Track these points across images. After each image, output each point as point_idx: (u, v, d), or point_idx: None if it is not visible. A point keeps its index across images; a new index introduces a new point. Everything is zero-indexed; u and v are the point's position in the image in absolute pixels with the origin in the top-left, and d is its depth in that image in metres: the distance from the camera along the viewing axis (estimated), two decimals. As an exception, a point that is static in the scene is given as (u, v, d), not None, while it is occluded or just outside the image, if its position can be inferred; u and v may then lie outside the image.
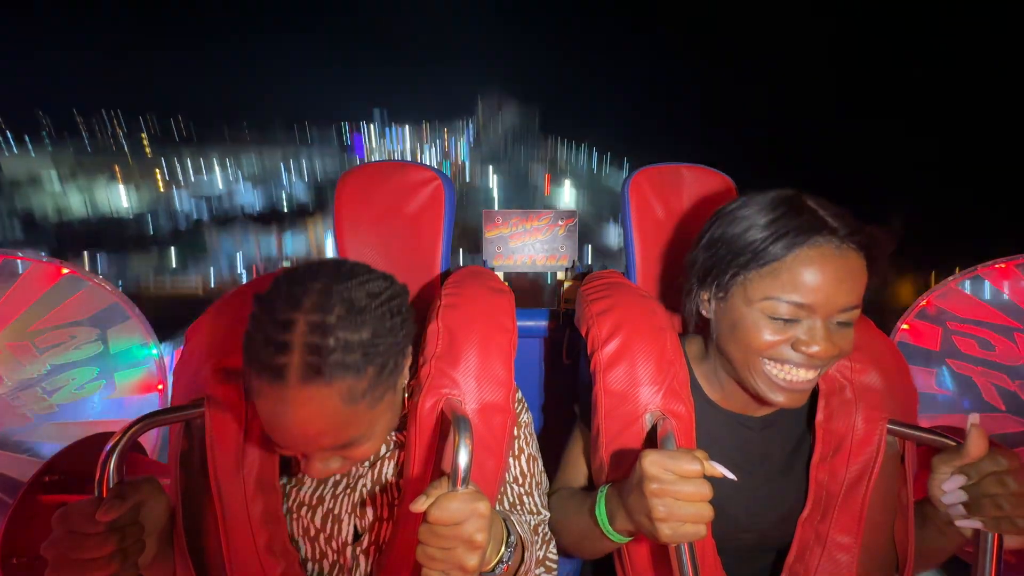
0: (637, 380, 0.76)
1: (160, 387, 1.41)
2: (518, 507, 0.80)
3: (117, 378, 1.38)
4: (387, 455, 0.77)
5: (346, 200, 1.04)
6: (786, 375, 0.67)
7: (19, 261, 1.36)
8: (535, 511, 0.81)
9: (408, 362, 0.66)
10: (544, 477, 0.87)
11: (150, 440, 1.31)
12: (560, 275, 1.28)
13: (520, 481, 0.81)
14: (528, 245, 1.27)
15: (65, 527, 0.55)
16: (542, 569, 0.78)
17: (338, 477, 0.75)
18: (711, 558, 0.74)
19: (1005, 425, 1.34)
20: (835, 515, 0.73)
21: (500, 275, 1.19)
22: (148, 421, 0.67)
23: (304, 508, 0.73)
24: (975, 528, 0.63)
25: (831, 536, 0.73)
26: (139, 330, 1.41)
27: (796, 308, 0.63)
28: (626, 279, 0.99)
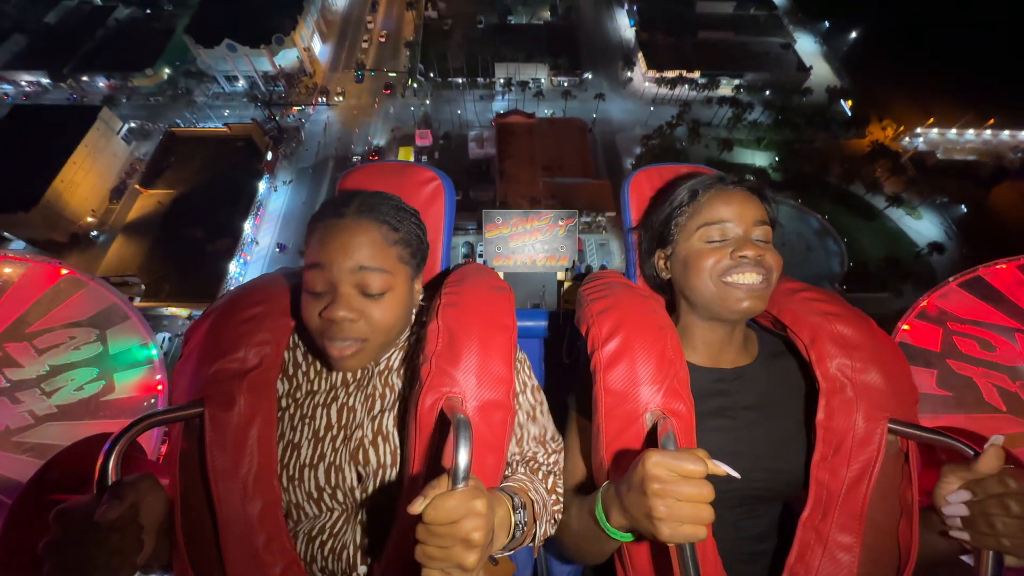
0: (637, 379, 0.76)
1: (160, 387, 1.41)
2: (531, 451, 0.85)
3: (117, 378, 1.38)
4: (388, 408, 0.80)
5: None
6: (741, 280, 0.81)
7: (18, 261, 1.36)
8: (545, 432, 0.88)
9: (419, 287, 0.85)
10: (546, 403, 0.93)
11: (150, 440, 1.31)
12: (560, 275, 1.27)
13: (531, 413, 0.86)
14: (528, 245, 1.27)
15: (63, 527, 0.55)
16: (553, 497, 0.82)
17: (335, 431, 0.78)
18: (712, 558, 0.74)
19: (1005, 426, 1.34)
20: (836, 514, 0.73)
21: (500, 275, 1.19)
22: (148, 421, 0.67)
23: (307, 469, 0.75)
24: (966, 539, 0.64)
25: (832, 536, 0.73)
26: (138, 330, 1.41)
27: (721, 227, 0.83)
28: (626, 279, 0.99)
